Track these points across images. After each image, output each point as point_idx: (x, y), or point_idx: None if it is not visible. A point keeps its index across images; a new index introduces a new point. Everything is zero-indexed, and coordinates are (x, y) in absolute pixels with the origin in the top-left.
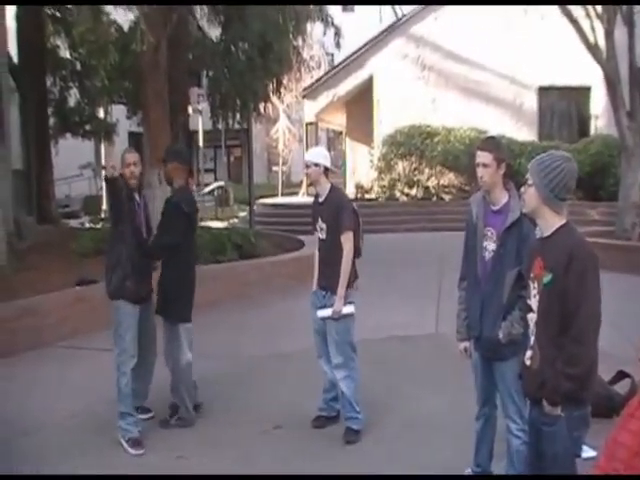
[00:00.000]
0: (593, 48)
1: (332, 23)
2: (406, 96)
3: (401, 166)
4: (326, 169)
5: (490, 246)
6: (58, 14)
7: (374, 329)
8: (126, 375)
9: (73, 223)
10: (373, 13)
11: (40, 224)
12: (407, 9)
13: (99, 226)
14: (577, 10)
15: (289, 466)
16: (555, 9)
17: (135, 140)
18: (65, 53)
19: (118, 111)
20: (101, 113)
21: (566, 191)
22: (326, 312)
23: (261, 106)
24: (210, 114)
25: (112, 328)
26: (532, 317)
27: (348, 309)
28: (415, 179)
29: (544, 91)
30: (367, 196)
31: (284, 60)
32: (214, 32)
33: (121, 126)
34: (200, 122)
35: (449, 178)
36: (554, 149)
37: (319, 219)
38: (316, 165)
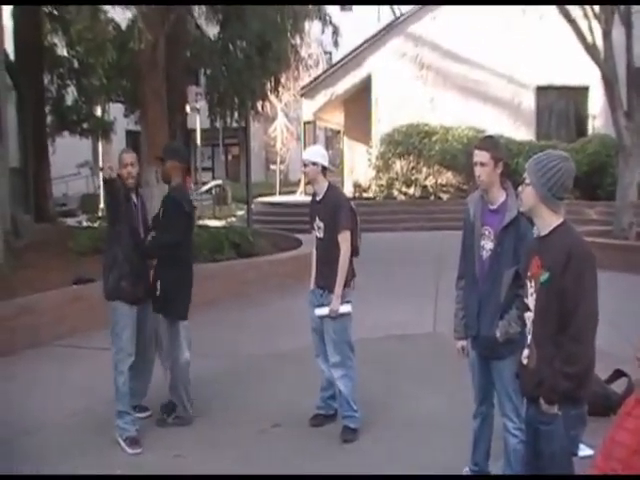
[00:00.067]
0: (591, 48)
1: (330, 22)
2: (404, 95)
3: (399, 165)
4: (324, 168)
5: (487, 245)
6: (55, 12)
7: (372, 328)
8: (123, 374)
9: (70, 221)
10: (371, 12)
11: (37, 222)
12: (405, 8)
13: (96, 225)
14: (575, 10)
15: (287, 465)
16: (553, 9)
17: (133, 138)
18: (62, 51)
19: (116, 109)
20: (99, 111)
21: (563, 190)
22: (323, 311)
23: (259, 104)
24: (208, 112)
25: (110, 327)
26: (529, 316)
27: (345, 308)
28: (413, 178)
29: (542, 91)
30: (365, 195)
31: (282, 58)
32: (212, 30)
33: (119, 124)
34: (198, 120)
35: (447, 177)
36: (552, 149)
37: (316, 218)
38: (314, 164)
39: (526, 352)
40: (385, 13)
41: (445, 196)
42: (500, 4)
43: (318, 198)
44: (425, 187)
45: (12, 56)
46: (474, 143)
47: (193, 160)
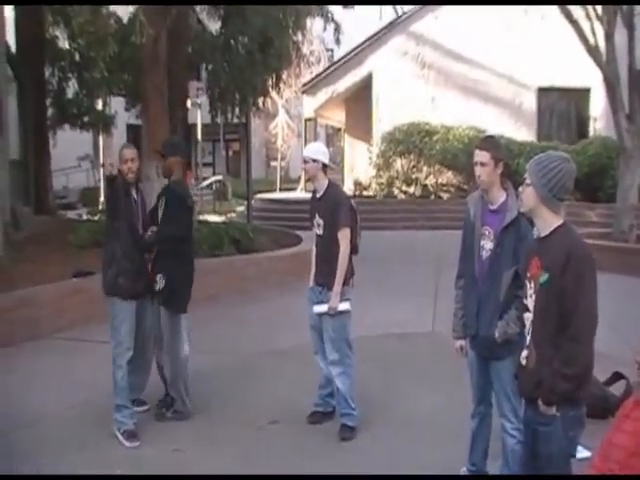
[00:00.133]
0: (593, 50)
1: (332, 19)
2: (405, 94)
3: (399, 164)
4: (324, 165)
5: (487, 245)
6: (57, 5)
7: (371, 326)
8: (122, 368)
9: (70, 214)
10: (373, 10)
11: (37, 215)
12: (407, 7)
13: (96, 218)
14: (577, 11)
15: (285, 462)
16: (555, 9)
17: (134, 132)
18: (64, 44)
19: (117, 103)
20: (100, 105)
21: (564, 191)
22: (322, 308)
23: (260, 101)
24: (209, 108)
25: (109, 321)
26: (528, 317)
27: (344, 306)
28: (413, 177)
29: (543, 92)
30: (365, 193)
31: (284, 55)
32: (214, 26)
33: (120, 118)
34: (199, 116)
35: (447, 177)
36: (553, 150)
37: (316, 215)
38: (314, 161)
39: (525, 353)
40: (387, 11)
41: (445, 195)
42: (501, 4)
43: (318, 195)
44: (425, 186)
45: (14, 48)
46: (475, 143)
47: (194, 155)
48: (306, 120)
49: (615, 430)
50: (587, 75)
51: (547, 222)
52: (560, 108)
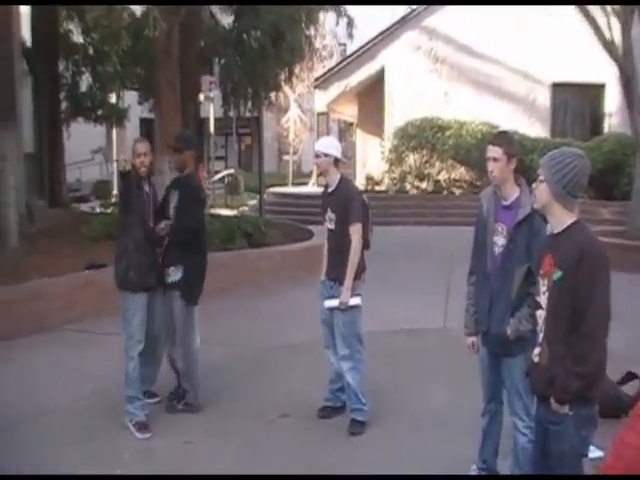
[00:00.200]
0: (609, 45)
1: (345, 13)
2: (418, 89)
3: (412, 159)
4: (336, 160)
5: (500, 241)
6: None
7: (382, 321)
8: (133, 360)
9: (84, 207)
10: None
11: (51, 208)
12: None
13: (109, 211)
14: (593, 6)
15: (294, 455)
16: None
17: (147, 126)
18: (78, 38)
19: (130, 97)
20: (113, 98)
21: (578, 188)
22: (333, 302)
23: (272, 95)
24: (221, 102)
25: (121, 313)
26: (541, 314)
27: (355, 301)
28: (426, 172)
29: (558, 87)
30: (377, 188)
31: (296, 49)
32: (226, 20)
33: (133, 112)
34: (211, 109)
35: (460, 172)
36: (567, 146)
37: (328, 209)
38: (326, 155)
39: (537, 350)
40: (400, 6)
41: (458, 191)
42: (511, 4)
43: (330, 190)
44: (438, 182)
45: (28, 42)
46: (488, 138)
47: (206, 149)
48: (318, 114)
49: (628, 429)
50: (602, 70)
51: (560, 219)
52: (574, 104)
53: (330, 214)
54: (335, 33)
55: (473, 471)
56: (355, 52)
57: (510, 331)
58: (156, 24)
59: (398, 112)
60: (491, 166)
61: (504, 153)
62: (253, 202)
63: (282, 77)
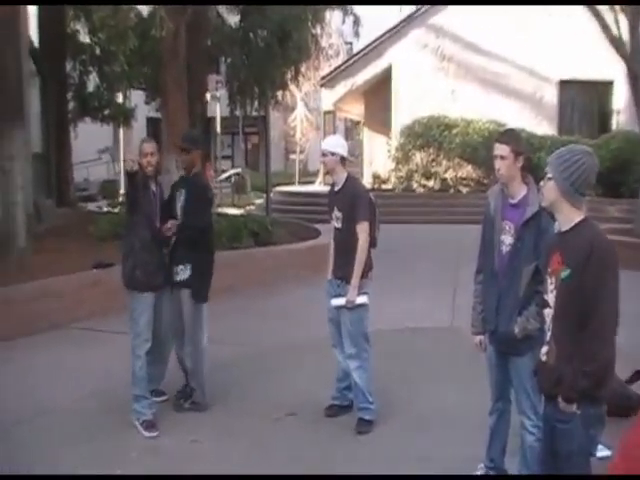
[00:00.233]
0: (616, 42)
1: (351, 12)
2: (425, 87)
3: (419, 157)
4: (343, 158)
5: (507, 240)
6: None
7: (389, 320)
8: (140, 358)
9: (91, 207)
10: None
11: (59, 207)
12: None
13: (117, 210)
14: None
15: (301, 453)
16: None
17: (153, 125)
18: (85, 38)
19: (137, 96)
20: (120, 98)
21: (586, 185)
22: (340, 301)
23: (279, 94)
24: (228, 101)
25: (128, 312)
26: (549, 312)
27: (362, 299)
28: (432, 171)
29: (565, 85)
30: (384, 186)
31: (303, 48)
32: (233, 19)
33: (139, 111)
34: (218, 109)
35: (467, 170)
36: (574, 144)
37: (335, 208)
38: (333, 154)
39: (545, 349)
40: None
41: (465, 189)
42: (517, 4)
43: (337, 188)
44: (445, 180)
45: (36, 42)
46: (495, 136)
47: (213, 148)
48: (325, 113)
49: (636, 428)
50: (610, 67)
51: (568, 217)
52: (582, 101)
53: (337, 213)
54: (341, 32)
55: (480, 469)
56: (362, 50)
57: (518, 330)
58: (163, 24)
59: (405, 110)
60: (498, 164)
61: (511, 151)
62: (260, 201)
63: (289, 76)
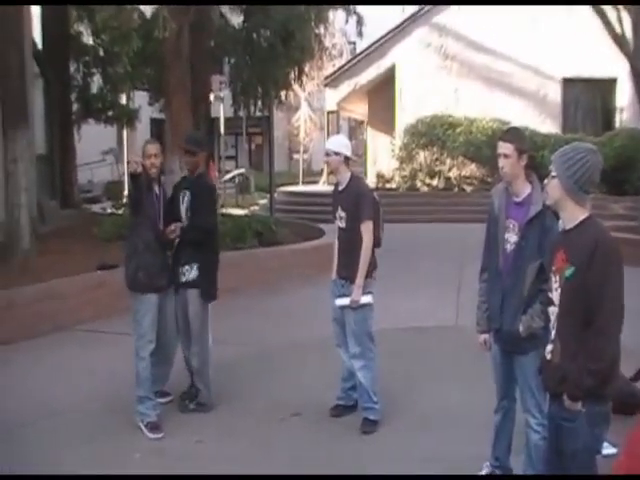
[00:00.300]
0: (620, 39)
1: (354, 11)
2: (428, 86)
3: (422, 156)
4: (346, 158)
5: (512, 238)
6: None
7: (393, 319)
8: (144, 360)
9: (95, 208)
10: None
11: (63, 209)
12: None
13: (121, 211)
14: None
15: (306, 454)
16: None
17: (157, 126)
18: (88, 39)
19: (140, 97)
20: (123, 99)
21: (590, 183)
22: (344, 301)
23: (282, 94)
24: (232, 101)
25: (132, 313)
26: (553, 311)
27: (366, 299)
28: (436, 169)
29: (568, 82)
30: (388, 186)
31: (306, 48)
32: (236, 19)
33: (143, 112)
34: (221, 109)
35: (471, 169)
36: (578, 142)
37: (339, 208)
38: (336, 154)
39: (550, 347)
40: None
41: (469, 188)
42: (520, 4)
43: (341, 188)
44: (449, 179)
45: (39, 44)
46: (498, 135)
47: (217, 149)
48: (328, 113)
49: None
50: (613, 65)
51: (573, 215)
52: (585, 99)
53: (341, 212)
54: (345, 31)
55: (486, 468)
56: (365, 50)
57: (522, 328)
58: (166, 25)
59: (408, 109)
60: (502, 162)
61: (515, 149)
62: (264, 201)
63: (292, 76)
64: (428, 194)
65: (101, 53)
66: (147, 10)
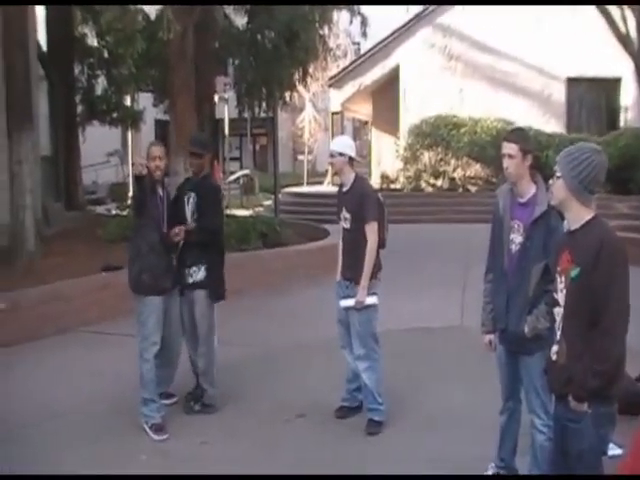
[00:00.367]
0: (624, 38)
1: (358, 12)
2: (433, 86)
3: (427, 157)
4: (351, 159)
5: (517, 239)
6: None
7: (398, 320)
8: (148, 362)
9: (100, 210)
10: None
11: (67, 210)
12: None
13: (125, 213)
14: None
15: (311, 455)
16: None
17: (162, 127)
18: (93, 41)
19: (145, 99)
20: (128, 101)
21: (595, 183)
22: (349, 302)
23: (287, 95)
24: (236, 102)
25: (135, 315)
26: (559, 311)
27: (371, 300)
28: (441, 170)
29: (573, 82)
30: (392, 186)
31: (310, 49)
32: (240, 20)
33: (148, 114)
34: (226, 110)
35: (475, 169)
36: (583, 141)
37: (343, 209)
38: (341, 154)
39: (555, 348)
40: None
41: (473, 188)
42: (524, 4)
43: (345, 189)
44: (453, 179)
45: (44, 46)
46: (503, 135)
47: (221, 150)
48: (333, 113)
49: None
50: (618, 64)
51: (578, 215)
52: (590, 98)
53: (345, 213)
54: (349, 32)
55: (491, 469)
56: (369, 50)
57: (528, 329)
58: (170, 26)
59: (413, 110)
60: (506, 163)
61: (519, 150)
62: (268, 202)
63: (296, 77)
64: (432, 195)
65: (105, 55)
66: (151, 12)
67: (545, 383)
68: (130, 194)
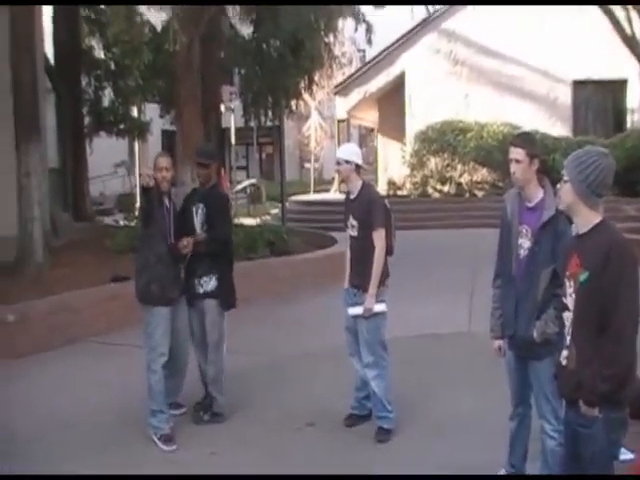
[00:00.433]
0: (630, 40)
1: (363, 19)
2: (438, 92)
3: (433, 162)
4: (357, 166)
5: (525, 244)
6: (93, 15)
7: (406, 327)
8: (156, 373)
9: (107, 220)
10: (404, 9)
11: (75, 221)
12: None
13: (133, 224)
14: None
15: (321, 463)
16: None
17: (168, 138)
18: (99, 53)
19: (151, 110)
20: (135, 112)
21: (603, 187)
22: (357, 310)
23: (293, 103)
24: (242, 112)
25: (143, 326)
26: (568, 316)
27: (379, 307)
28: (448, 175)
29: (579, 85)
30: (399, 192)
31: (316, 57)
32: (246, 30)
33: (155, 124)
34: (232, 119)
35: (482, 174)
36: (589, 144)
37: (350, 216)
38: (347, 162)
39: (565, 353)
40: (418, 10)
41: (480, 193)
42: (530, 4)
43: (352, 196)
44: (460, 184)
45: (51, 59)
46: (509, 139)
47: (228, 159)
48: (339, 121)
49: None
50: (623, 66)
51: (586, 219)
52: (596, 101)
53: (352, 221)
54: (354, 39)
55: (502, 473)
56: (374, 57)
57: (537, 334)
58: (176, 37)
59: (419, 116)
60: (513, 167)
61: (526, 154)
62: (275, 211)
63: (302, 85)
64: (439, 200)
65: (112, 67)
66: (158, 23)
67: (555, 388)
68: (137, 205)
